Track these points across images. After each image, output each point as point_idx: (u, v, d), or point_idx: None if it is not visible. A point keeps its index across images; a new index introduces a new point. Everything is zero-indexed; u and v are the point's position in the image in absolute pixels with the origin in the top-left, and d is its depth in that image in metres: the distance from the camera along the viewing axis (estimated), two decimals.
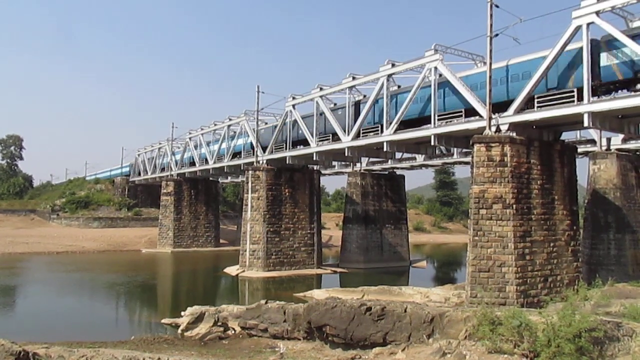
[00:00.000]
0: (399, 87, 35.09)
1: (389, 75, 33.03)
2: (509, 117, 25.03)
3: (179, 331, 19.30)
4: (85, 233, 68.82)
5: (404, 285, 33.60)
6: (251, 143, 48.07)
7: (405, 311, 14.10)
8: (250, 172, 45.02)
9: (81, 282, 39.60)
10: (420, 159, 47.86)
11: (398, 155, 44.10)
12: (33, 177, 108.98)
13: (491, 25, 24.99)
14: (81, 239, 64.17)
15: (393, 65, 32.61)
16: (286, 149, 43.32)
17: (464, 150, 38.82)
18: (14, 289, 36.86)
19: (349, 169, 51.95)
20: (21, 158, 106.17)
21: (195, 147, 61.13)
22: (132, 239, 66.18)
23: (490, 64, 25.25)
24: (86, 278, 42.00)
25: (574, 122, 24.53)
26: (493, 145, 24.76)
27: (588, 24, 21.90)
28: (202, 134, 59.59)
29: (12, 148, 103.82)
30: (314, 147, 39.74)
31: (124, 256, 57.42)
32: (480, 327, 12.27)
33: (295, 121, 42.46)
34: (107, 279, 41.43)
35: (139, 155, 79.54)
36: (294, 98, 42.29)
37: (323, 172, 51.61)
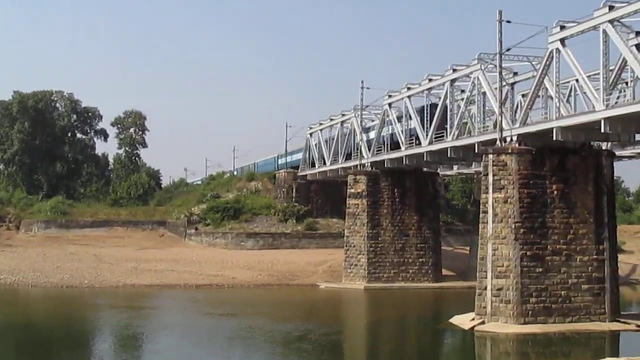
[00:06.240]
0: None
1: None
2: None
3: None
4: (235, 256, 54.50)
5: None
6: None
7: None
8: (490, 156, 30.33)
9: (233, 334, 29.43)
10: None
11: None
12: (160, 172, 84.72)
13: None
14: (230, 265, 51.25)
15: None
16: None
17: None
18: (139, 341, 28.37)
19: None
20: (144, 145, 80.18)
21: (398, 118, 44.65)
22: (304, 266, 51.43)
23: None
24: (239, 327, 31.34)
25: None
26: None
27: None
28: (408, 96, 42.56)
29: (132, 130, 78.49)
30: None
31: (293, 293, 44.48)
32: None
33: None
34: (270, 330, 30.76)
35: (311, 135, 60.84)
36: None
37: (618, 154, 33.19)
